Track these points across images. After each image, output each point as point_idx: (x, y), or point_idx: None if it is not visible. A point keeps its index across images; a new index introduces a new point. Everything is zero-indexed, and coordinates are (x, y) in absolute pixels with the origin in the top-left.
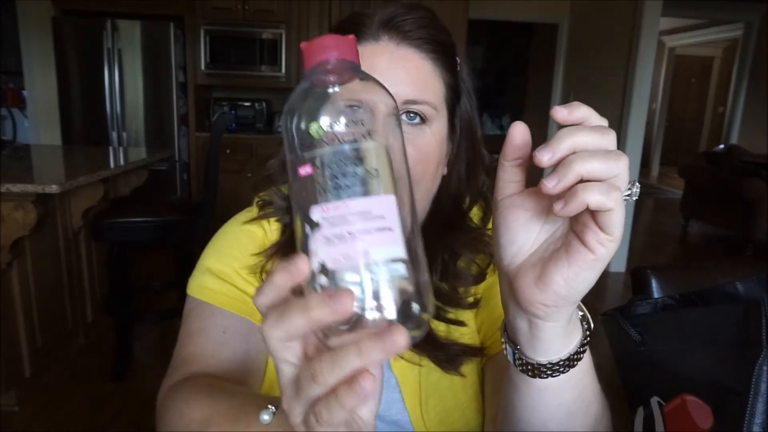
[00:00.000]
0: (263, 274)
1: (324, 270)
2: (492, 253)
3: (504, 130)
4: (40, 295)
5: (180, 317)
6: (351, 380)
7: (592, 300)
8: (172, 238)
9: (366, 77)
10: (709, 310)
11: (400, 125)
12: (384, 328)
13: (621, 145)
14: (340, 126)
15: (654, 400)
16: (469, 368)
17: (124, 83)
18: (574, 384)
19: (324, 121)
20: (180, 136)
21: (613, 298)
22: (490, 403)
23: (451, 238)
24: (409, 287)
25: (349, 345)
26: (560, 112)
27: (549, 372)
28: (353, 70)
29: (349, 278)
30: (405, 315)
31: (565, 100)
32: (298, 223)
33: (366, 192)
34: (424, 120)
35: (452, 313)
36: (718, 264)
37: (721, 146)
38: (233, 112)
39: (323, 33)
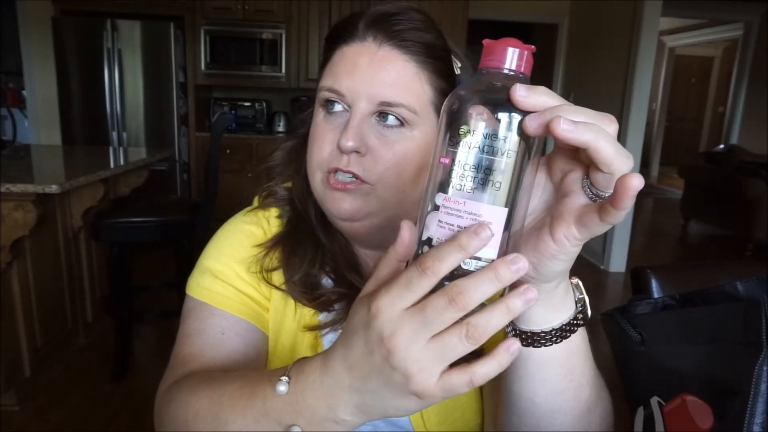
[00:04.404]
0: (263, 271)
1: (429, 242)
2: None
3: None
4: (40, 295)
5: (180, 317)
6: (518, 290)
7: (592, 300)
8: (172, 238)
9: None
10: (709, 310)
11: (543, 144)
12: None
13: (621, 145)
14: (486, 136)
15: (654, 400)
16: None
17: (124, 83)
18: (560, 361)
19: (471, 124)
20: (180, 136)
21: (613, 298)
22: (488, 403)
23: None
24: None
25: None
26: (519, 92)
27: (528, 340)
28: (515, 83)
29: None
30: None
31: (566, 100)
32: (428, 190)
33: (486, 199)
34: (403, 123)
35: None
36: (718, 264)
37: (721, 146)
38: (233, 112)
39: (323, 33)
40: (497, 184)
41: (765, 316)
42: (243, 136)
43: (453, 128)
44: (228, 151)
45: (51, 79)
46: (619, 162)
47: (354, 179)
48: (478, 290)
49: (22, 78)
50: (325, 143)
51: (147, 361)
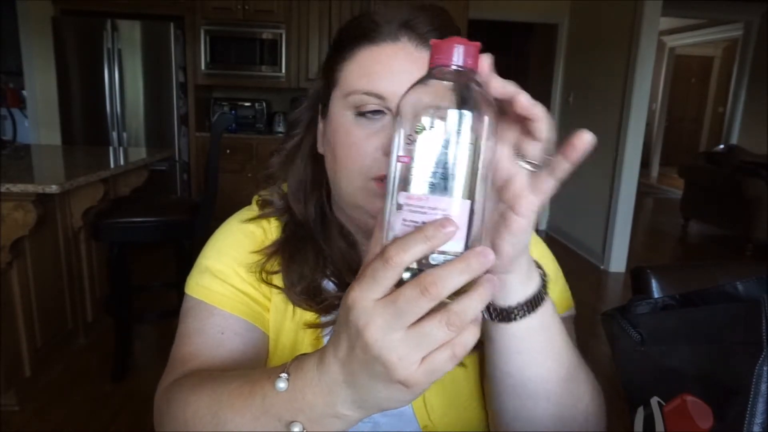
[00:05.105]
0: (263, 273)
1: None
2: None
3: None
4: (40, 295)
5: (179, 317)
6: (485, 277)
7: (593, 300)
8: (172, 238)
9: (477, 87)
10: (710, 310)
11: (495, 134)
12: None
13: (621, 145)
14: (440, 130)
15: (654, 400)
16: (470, 359)
17: (124, 83)
18: (539, 328)
19: (426, 121)
20: (180, 136)
21: (613, 298)
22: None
23: None
24: None
25: (456, 261)
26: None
27: (517, 313)
28: (468, 80)
29: None
30: None
31: (565, 100)
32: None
33: (447, 193)
34: None
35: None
36: (718, 264)
37: (721, 146)
38: (233, 112)
39: (324, 33)
40: (457, 178)
41: (765, 315)
42: (243, 136)
43: (408, 127)
44: (228, 151)
45: (51, 79)
46: (542, 113)
47: None
48: (450, 280)
49: (22, 78)
50: (366, 149)
51: (147, 361)
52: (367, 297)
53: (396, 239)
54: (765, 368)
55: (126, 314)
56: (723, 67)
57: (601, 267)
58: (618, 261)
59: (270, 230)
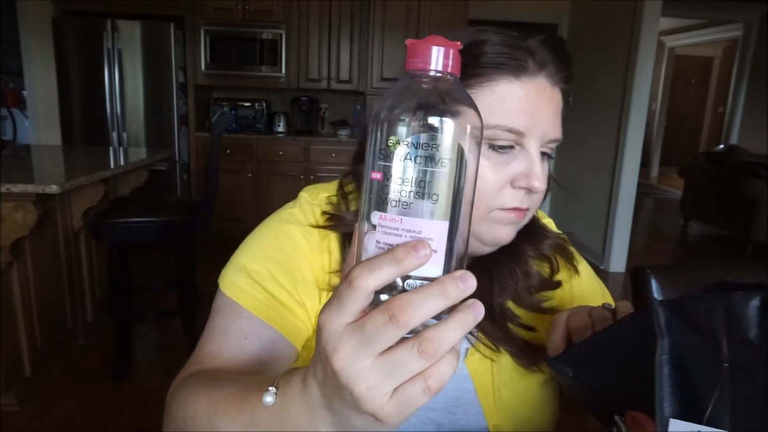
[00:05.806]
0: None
1: None
2: (569, 256)
3: None
4: (40, 295)
5: (179, 317)
6: (467, 303)
7: None
8: (172, 238)
9: (459, 96)
10: (615, 324)
11: (478, 149)
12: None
13: (621, 145)
14: (417, 146)
15: (618, 419)
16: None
17: (124, 83)
18: None
19: (401, 134)
20: (180, 136)
21: (613, 298)
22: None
23: (537, 239)
24: None
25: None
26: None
27: None
28: (448, 87)
29: None
30: None
31: (565, 100)
32: (362, 210)
33: (423, 213)
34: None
35: (524, 319)
36: (718, 264)
37: (721, 146)
38: (233, 112)
39: (324, 33)
40: (434, 197)
41: (655, 310)
42: (243, 136)
43: (382, 140)
44: (228, 151)
45: (51, 79)
46: None
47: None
48: (422, 306)
49: (22, 78)
50: (494, 183)
51: (147, 361)
52: (335, 320)
53: (363, 261)
54: (663, 356)
55: (126, 314)
56: (723, 67)
57: (601, 267)
58: (618, 261)
59: (311, 234)
